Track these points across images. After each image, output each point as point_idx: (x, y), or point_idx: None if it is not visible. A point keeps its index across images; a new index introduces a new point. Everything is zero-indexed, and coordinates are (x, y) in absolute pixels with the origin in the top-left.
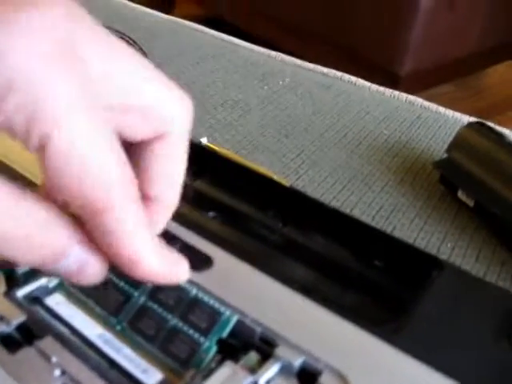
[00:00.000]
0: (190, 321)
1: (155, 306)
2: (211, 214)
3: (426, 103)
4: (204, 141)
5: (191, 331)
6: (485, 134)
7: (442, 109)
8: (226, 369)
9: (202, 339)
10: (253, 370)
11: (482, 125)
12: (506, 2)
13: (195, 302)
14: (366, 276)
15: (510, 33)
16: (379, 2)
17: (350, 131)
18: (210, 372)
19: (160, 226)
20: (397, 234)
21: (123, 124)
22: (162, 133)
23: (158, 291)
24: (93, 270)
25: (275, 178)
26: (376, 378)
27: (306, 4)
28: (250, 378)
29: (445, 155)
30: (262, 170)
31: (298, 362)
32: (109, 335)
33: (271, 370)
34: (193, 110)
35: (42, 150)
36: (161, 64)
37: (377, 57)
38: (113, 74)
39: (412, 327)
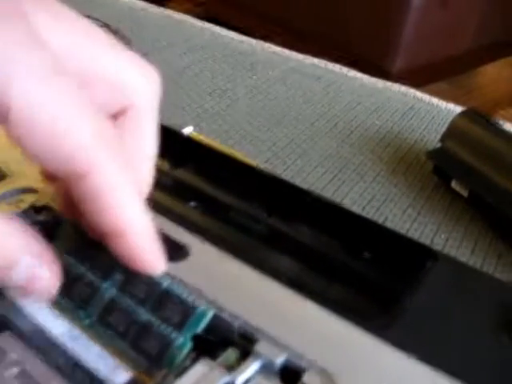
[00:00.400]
0: (162, 315)
1: (125, 299)
2: (192, 203)
3: (419, 94)
4: (189, 130)
5: (163, 326)
6: (479, 123)
7: (435, 100)
8: (201, 367)
9: (175, 335)
10: (231, 368)
11: (477, 113)
12: (500, 1)
13: (168, 295)
14: (355, 268)
15: (504, 31)
16: None
17: (340, 121)
18: (183, 370)
19: None
20: (389, 224)
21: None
22: (127, 105)
23: (128, 283)
24: (44, 284)
25: (260, 167)
26: (365, 376)
27: (298, 1)
28: (227, 377)
29: (438, 145)
30: (247, 159)
31: (279, 359)
32: (76, 331)
33: (250, 368)
34: (160, 82)
35: (5, 121)
36: (149, 54)
37: (368, 53)
38: (73, 46)
39: (405, 321)
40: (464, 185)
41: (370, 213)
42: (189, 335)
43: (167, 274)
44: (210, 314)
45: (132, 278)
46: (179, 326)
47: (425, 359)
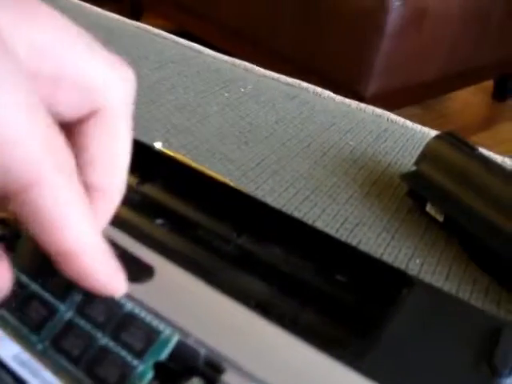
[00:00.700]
0: (122, 340)
1: (83, 322)
2: (159, 221)
3: (394, 117)
4: (158, 145)
5: (124, 352)
6: (455, 145)
7: (409, 123)
8: None
9: (135, 362)
10: None
11: (453, 136)
12: (472, 27)
13: (130, 319)
14: (327, 292)
15: (475, 57)
16: (345, 23)
17: (313, 141)
18: None
19: (103, 221)
20: (362, 248)
21: (55, 99)
22: (98, 107)
23: (87, 305)
24: None
25: (231, 184)
26: None
27: (269, 21)
28: None
29: (413, 168)
30: (218, 176)
31: None
32: (26, 356)
33: None
34: (135, 82)
35: None
36: None
37: (341, 77)
38: (47, 44)
39: (379, 350)
40: (439, 209)
41: (343, 235)
42: (151, 362)
43: (130, 296)
44: (174, 340)
45: (92, 299)
46: (141, 353)
47: None
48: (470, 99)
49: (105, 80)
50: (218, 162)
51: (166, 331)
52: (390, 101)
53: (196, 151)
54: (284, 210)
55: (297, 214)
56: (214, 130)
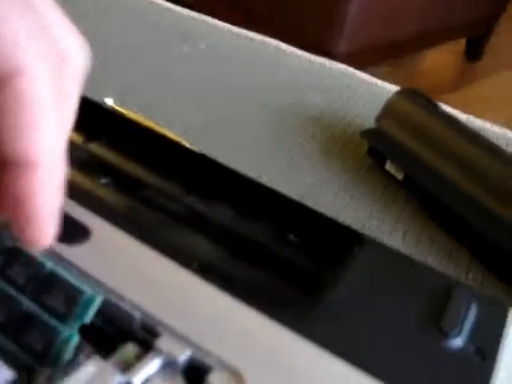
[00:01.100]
0: (45, 303)
1: (4, 286)
2: (103, 180)
3: (358, 73)
4: (110, 102)
5: (46, 316)
6: (417, 102)
7: (374, 80)
8: (90, 366)
9: (60, 327)
10: (129, 365)
11: (415, 92)
12: None
13: (51, 280)
14: (277, 252)
15: (447, 17)
16: None
17: (272, 99)
18: (70, 370)
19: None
20: (318, 208)
21: None
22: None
23: (7, 266)
24: None
25: (182, 142)
26: (277, 375)
27: None
28: (121, 378)
29: (374, 125)
30: (170, 134)
31: (183, 356)
32: None
33: (150, 366)
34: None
35: None
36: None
37: (312, 37)
38: None
39: (325, 311)
40: (399, 167)
41: (300, 195)
42: (76, 326)
43: (63, 258)
44: (98, 300)
45: (12, 259)
46: (64, 316)
47: (343, 354)
48: (440, 59)
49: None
50: (173, 120)
51: (89, 291)
52: (359, 59)
53: (150, 109)
54: (236, 169)
55: (251, 174)
56: (169, 88)
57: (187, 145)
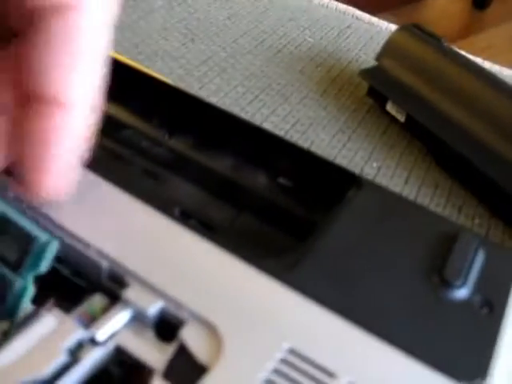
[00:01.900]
0: None
1: None
2: None
3: (359, 13)
4: None
5: None
6: (420, 38)
7: (375, 19)
8: (48, 320)
9: (13, 277)
10: (96, 319)
11: (418, 27)
12: None
13: (2, 224)
14: (266, 196)
15: None
16: None
17: (268, 37)
18: (27, 324)
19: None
20: (314, 150)
21: None
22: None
23: None
24: None
25: (167, 81)
26: (259, 330)
27: None
28: (83, 332)
29: (374, 64)
30: (155, 74)
31: (153, 308)
32: None
33: (116, 319)
34: None
35: None
36: None
37: None
38: None
39: (315, 260)
40: (400, 108)
41: (293, 137)
42: (30, 276)
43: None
44: (53, 246)
45: None
46: (17, 265)
47: (335, 307)
48: (448, 7)
49: None
50: (160, 60)
51: (43, 237)
52: (362, 7)
53: (135, 50)
54: (230, 110)
55: (243, 116)
56: (157, 27)
57: (171, 83)
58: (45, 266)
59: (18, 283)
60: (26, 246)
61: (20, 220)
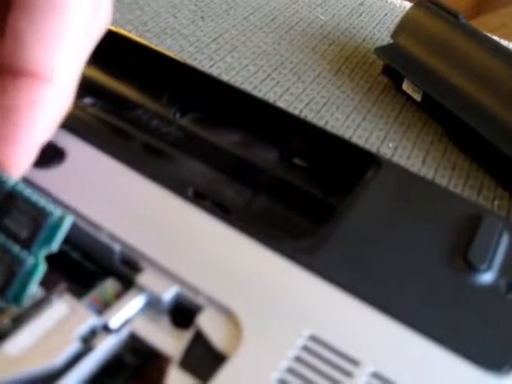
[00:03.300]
0: (5, 227)
1: None
2: (87, 100)
3: None
4: None
5: (9, 243)
6: (437, 14)
7: None
8: (60, 307)
9: (24, 255)
10: (109, 305)
11: (435, 3)
12: None
13: (13, 199)
14: (282, 177)
15: None
16: None
17: (280, 15)
18: (36, 310)
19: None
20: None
21: None
22: None
23: None
24: None
25: (179, 59)
26: (278, 315)
27: None
28: (96, 320)
29: (390, 41)
30: (165, 51)
31: (169, 294)
32: None
33: (130, 305)
34: None
35: None
36: None
37: None
38: None
39: (337, 242)
40: (417, 86)
41: (307, 117)
42: (42, 253)
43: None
44: (68, 222)
45: None
46: (28, 242)
47: (355, 292)
48: None
49: None
50: (170, 38)
51: (56, 212)
52: None
53: (144, 27)
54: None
55: (256, 94)
56: (165, 4)
57: (182, 61)
58: (57, 242)
59: (29, 261)
60: (38, 222)
61: (32, 196)
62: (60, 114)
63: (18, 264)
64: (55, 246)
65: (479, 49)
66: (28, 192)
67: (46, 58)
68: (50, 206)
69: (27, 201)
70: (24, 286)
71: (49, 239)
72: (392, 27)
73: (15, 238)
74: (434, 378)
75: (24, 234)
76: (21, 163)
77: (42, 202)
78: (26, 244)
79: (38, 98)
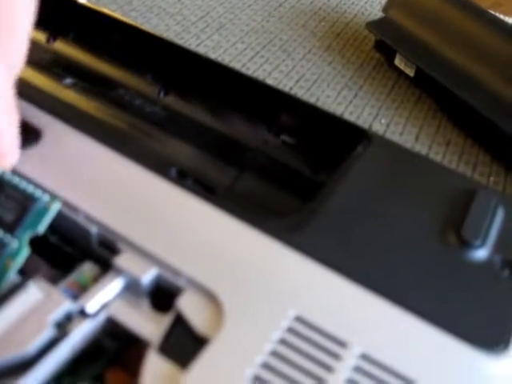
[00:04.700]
0: None
1: None
2: (68, 80)
3: None
4: None
5: None
6: None
7: None
8: (34, 291)
9: (7, 238)
10: (87, 288)
11: None
12: None
13: (1, 187)
14: (268, 155)
15: None
16: None
17: None
18: (10, 296)
19: None
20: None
21: None
22: None
23: None
24: None
25: (164, 38)
26: (259, 295)
27: None
28: (71, 305)
29: (381, 15)
30: (149, 30)
31: (148, 275)
32: None
33: (107, 289)
34: None
35: None
36: None
37: None
38: None
39: (322, 219)
40: (410, 61)
41: (297, 94)
42: (26, 236)
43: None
44: (55, 207)
45: None
46: (12, 226)
47: (346, 271)
48: None
49: None
50: (155, 16)
51: (45, 198)
52: None
53: (129, 6)
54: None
55: (244, 72)
56: None
57: (167, 38)
58: (43, 226)
59: (12, 244)
60: (25, 206)
61: (20, 183)
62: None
63: (1, 246)
64: (41, 228)
65: (473, 21)
66: (16, 180)
67: None
68: (37, 193)
69: (15, 188)
70: (4, 270)
71: (36, 222)
72: (384, 1)
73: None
74: (426, 358)
75: (9, 217)
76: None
77: (30, 188)
78: (11, 228)
79: None
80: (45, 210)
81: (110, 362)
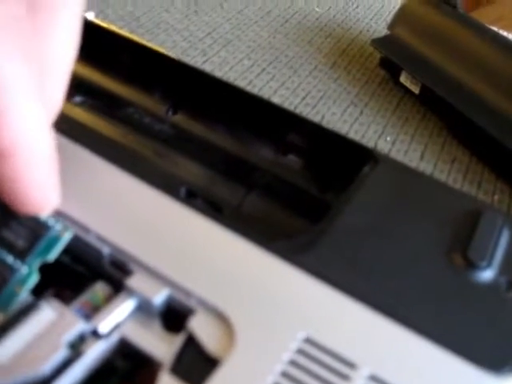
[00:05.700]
0: (2, 237)
1: None
2: (78, 98)
3: None
4: (90, 16)
5: (4, 253)
6: (434, 5)
7: None
8: (47, 312)
9: (17, 264)
10: (98, 309)
11: None
12: None
13: (14, 213)
14: (277, 174)
15: None
16: None
17: (274, 8)
18: (24, 317)
19: None
20: (326, 125)
21: None
22: None
23: None
24: None
25: (170, 54)
26: (269, 317)
27: None
28: (84, 325)
29: (387, 33)
30: (157, 48)
31: (159, 297)
32: None
33: (119, 309)
34: None
35: None
36: None
37: None
38: None
39: (331, 240)
40: (415, 78)
41: (303, 112)
42: (36, 263)
43: None
44: (67, 236)
45: None
46: (23, 252)
47: (352, 290)
48: None
49: None
50: (163, 33)
51: (58, 226)
52: None
53: (136, 23)
54: (236, 84)
55: (250, 89)
56: None
57: (175, 57)
58: (54, 254)
59: (22, 270)
60: (37, 234)
61: None
62: (48, 156)
63: (10, 273)
64: (52, 257)
65: (478, 39)
66: None
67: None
68: (51, 221)
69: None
70: (12, 295)
71: (46, 251)
72: (389, 19)
73: (11, 248)
74: (432, 379)
75: (21, 244)
76: (45, 202)
77: (43, 215)
78: (22, 254)
79: (13, 169)
80: (57, 238)
81: (121, 382)
